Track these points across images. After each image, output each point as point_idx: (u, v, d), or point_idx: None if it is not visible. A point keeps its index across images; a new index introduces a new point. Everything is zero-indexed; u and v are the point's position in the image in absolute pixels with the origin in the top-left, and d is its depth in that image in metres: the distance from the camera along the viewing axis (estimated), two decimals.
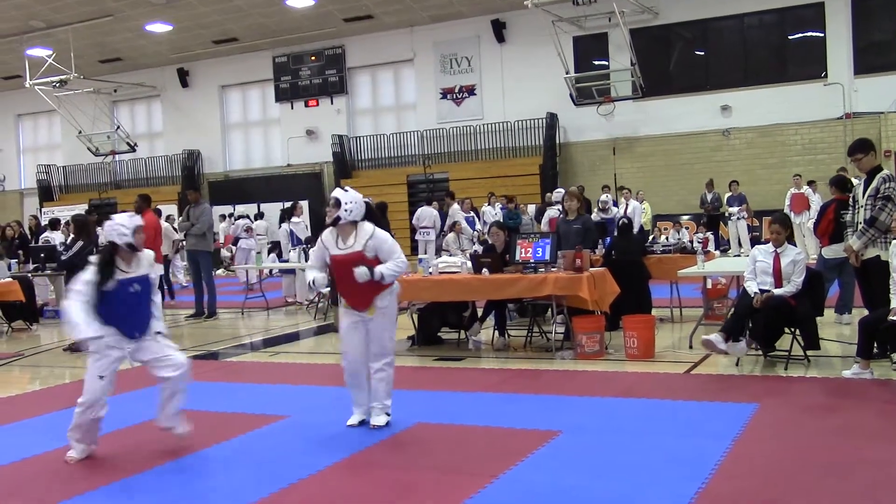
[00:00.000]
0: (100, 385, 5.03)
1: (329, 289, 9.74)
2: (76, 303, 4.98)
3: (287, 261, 13.70)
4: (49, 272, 12.19)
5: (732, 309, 7.32)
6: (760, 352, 7.24)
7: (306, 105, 25.48)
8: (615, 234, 10.53)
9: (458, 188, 20.32)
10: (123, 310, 5.08)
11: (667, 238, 12.73)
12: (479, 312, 8.80)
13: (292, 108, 25.68)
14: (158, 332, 5.28)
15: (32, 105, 27.32)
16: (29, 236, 18.17)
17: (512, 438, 5.19)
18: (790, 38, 20.58)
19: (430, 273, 8.51)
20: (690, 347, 7.98)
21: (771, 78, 20.37)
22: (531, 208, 18.24)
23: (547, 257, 8.07)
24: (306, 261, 12.11)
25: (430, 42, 23.66)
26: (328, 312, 11.68)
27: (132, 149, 25.76)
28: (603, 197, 15.59)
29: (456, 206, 17.96)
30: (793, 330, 6.99)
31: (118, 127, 26.18)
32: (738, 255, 15.38)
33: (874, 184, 6.82)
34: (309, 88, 25.33)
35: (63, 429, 5.22)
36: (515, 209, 18.04)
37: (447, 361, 8.10)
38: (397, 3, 22.15)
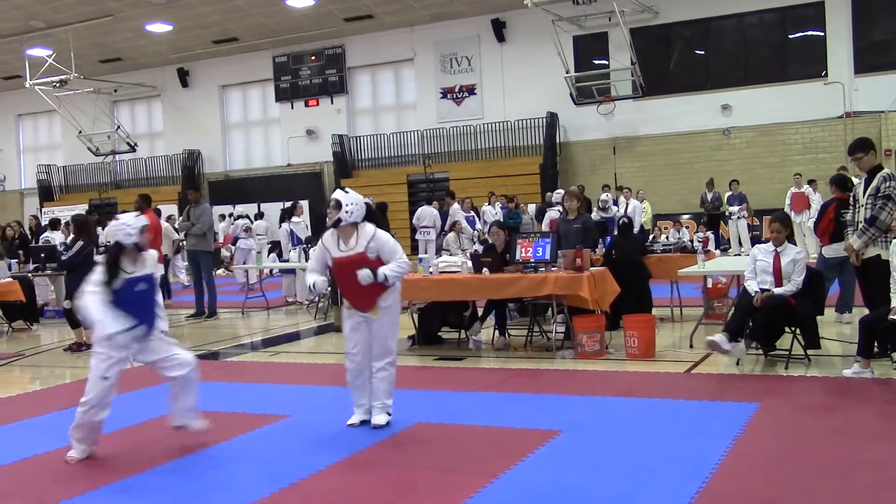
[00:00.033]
0: (103, 386, 5.03)
1: (329, 289, 9.75)
2: (94, 300, 4.98)
3: (287, 260, 13.70)
4: (49, 272, 12.19)
5: (733, 308, 7.32)
6: (761, 351, 7.24)
7: (306, 105, 25.48)
8: (615, 233, 10.53)
9: (459, 188, 20.32)
10: (131, 308, 5.09)
11: (667, 237, 12.71)
12: (480, 312, 8.79)
13: (292, 107, 25.68)
14: (163, 332, 5.29)
15: (33, 105, 27.32)
16: (29, 236, 18.19)
17: (512, 438, 5.18)
18: (790, 37, 20.57)
19: (431, 273, 8.51)
20: (691, 347, 7.97)
21: (771, 77, 20.38)
22: (531, 208, 18.25)
23: (547, 257, 8.07)
24: (306, 260, 12.13)
25: (430, 41, 23.66)
26: (328, 312, 11.68)
27: (132, 149, 25.75)
28: (603, 196, 15.59)
29: (456, 205, 17.96)
30: (793, 329, 6.99)
31: (118, 127, 26.17)
32: (739, 255, 15.38)
33: (874, 183, 6.83)
34: (309, 88, 25.33)
35: (63, 429, 5.22)
36: (516, 209, 18.05)
37: (447, 361, 8.10)
38: (397, 2, 22.14)
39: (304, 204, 18.88)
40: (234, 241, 18.93)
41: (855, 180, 8.03)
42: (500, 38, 22.78)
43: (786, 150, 20.07)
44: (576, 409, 5.87)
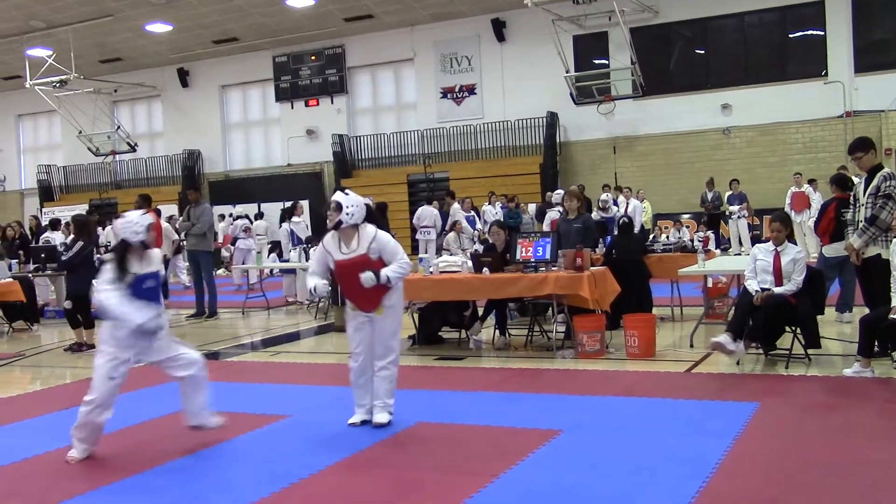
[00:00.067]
0: (109, 386, 5.03)
1: (330, 290, 9.74)
2: (112, 296, 4.98)
3: (288, 260, 13.70)
4: (50, 272, 12.20)
5: (733, 308, 7.32)
6: (761, 350, 7.24)
7: (306, 105, 25.49)
8: (615, 233, 10.52)
9: (459, 187, 20.32)
10: (140, 306, 5.09)
11: (667, 237, 12.72)
12: (480, 312, 8.79)
13: (292, 107, 25.68)
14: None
15: (33, 105, 27.33)
16: (29, 236, 18.20)
17: (512, 438, 5.18)
18: (790, 36, 20.57)
19: (431, 272, 8.51)
20: (691, 346, 7.97)
21: (771, 76, 20.38)
22: (532, 207, 18.24)
23: (547, 256, 8.06)
24: (307, 260, 12.14)
25: (430, 41, 23.66)
26: (328, 312, 11.68)
27: (132, 149, 25.76)
28: (603, 196, 15.58)
29: (456, 205, 17.96)
30: (793, 328, 6.99)
31: (118, 127, 26.18)
32: (739, 254, 15.39)
33: (875, 182, 6.82)
34: (309, 88, 25.33)
35: (63, 429, 5.22)
36: (516, 208, 18.05)
37: (448, 361, 8.10)
38: (397, 2, 22.14)
39: (305, 204, 18.88)
40: (234, 241, 18.93)
41: (855, 179, 8.02)
42: (500, 37, 22.79)
43: (786, 149, 20.07)
44: (576, 409, 5.86)
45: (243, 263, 16.58)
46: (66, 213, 21.61)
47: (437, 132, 23.53)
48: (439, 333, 9.04)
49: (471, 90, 23.43)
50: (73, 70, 23.11)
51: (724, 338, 6.83)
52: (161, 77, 27.23)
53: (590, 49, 21.76)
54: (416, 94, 24.32)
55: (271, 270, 14.90)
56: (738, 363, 7.06)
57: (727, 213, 17.65)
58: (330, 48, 24.85)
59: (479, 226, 17.57)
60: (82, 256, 9.64)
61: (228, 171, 26.90)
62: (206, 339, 10.42)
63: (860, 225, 6.85)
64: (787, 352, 6.93)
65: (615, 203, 16.69)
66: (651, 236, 13.22)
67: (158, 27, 23.61)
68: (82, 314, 9.74)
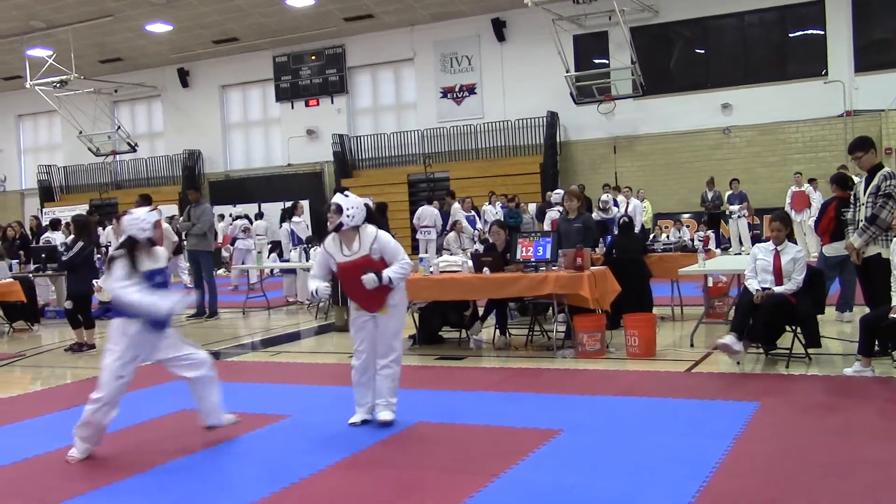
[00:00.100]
0: (117, 385, 5.04)
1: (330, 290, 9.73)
2: (131, 291, 4.97)
3: (288, 260, 13.71)
4: (50, 273, 12.20)
5: (734, 308, 7.32)
6: (761, 350, 7.24)
7: (307, 105, 25.48)
8: (616, 232, 10.52)
9: (459, 187, 20.32)
10: (162, 294, 5.09)
11: (667, 236, 12.73)
12: (480, 311, 8.80)
13: (293, 107, 25.68)
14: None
15: (33, 105, 27.34)
16: (30, 237, 18.20)
17: (513, 437, 5.19)
18: (791, 35, 20.56)
19: (432, 272, 8.51)
20: (691, 346, 7.97)
21: (771, 76, 20.37)
22: (532, 207, 18.23)
23: (548, 256, 8.06)
24: (307, 260, 12.15)
25: (430, 41, 23.66)
26: (329, 312, 11.68)
27: (133, 149, 25.76)
28: (603, 197, 15.58)
29: (457, 205, 17.97)
30: (794, 328, 6.99)
31: (119, 127, 26.19)
32: (739, 254, 15.39)
33: (875, 181, 6.82)
34: (309, 88, 25.33)
35: (64, 429, 5.22)
36: (516, 208, 18.04)
37: (448, 360, 8.10)
38: (397, 2, 22.14)
39: (305, 204, 18.84)
40: (233, 241, 18.94)
41: (855, 179, 8.02)
42: (501, 37, 22.78)
43: (786, 148, 20.06)
44: (576, 409, 5.86)
45: (242, 263, 16.58)
46: (66, 213, 21.62)
47: (437, 132, 23.53)
48: (440, 333, 9.05)
49: (471, 90, 23.43)
50: (73, 70, 23.11)
51: (729, 339, 6.81)
52: (161, 77, 27.23)
53: (590, 49, 21.76)
54: (416, 94, 24.32)
55: (272, 270, 14.89)
56: (738, 363, 7.06)
57: (727, 212, 17.65)
58: (330, 48, 24.84)
59: (479, 225, 17.57)
60: (83, 256, 9.64)
61: (229, 171, 26.90)
62: (207, 339, 10.42)
63: (860, 224, 6.85)
64: (788, 351, 6.93)
65: (615, 203, 16.68)
66: (651, 236, 13.23)
67: (158, 27, 23.61)
68: (83, 314, 9.75)
